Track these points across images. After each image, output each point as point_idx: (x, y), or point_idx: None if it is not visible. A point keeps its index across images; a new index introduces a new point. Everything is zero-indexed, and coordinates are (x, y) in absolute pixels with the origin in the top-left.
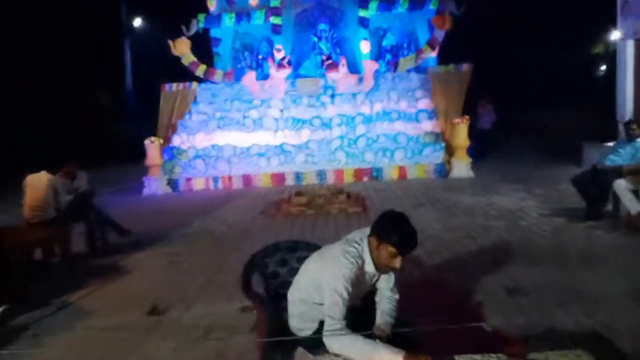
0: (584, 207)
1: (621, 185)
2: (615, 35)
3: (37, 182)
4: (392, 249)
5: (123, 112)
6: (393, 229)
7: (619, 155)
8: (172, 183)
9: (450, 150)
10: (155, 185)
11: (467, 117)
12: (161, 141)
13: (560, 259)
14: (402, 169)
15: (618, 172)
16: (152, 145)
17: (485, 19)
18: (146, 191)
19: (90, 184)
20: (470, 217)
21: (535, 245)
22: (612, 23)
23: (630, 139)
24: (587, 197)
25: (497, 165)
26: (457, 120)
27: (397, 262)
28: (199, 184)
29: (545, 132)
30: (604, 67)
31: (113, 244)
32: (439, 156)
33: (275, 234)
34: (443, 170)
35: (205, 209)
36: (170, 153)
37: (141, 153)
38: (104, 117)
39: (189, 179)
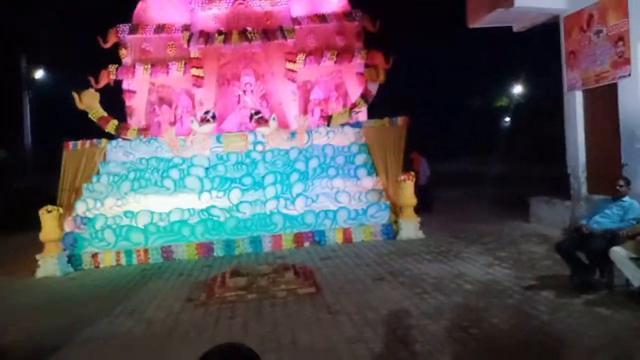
0: (564, 274)
1: (621, 254)
2: (517, 89)
3: None
4: None
5: (21, 171)
6: None
7: (606, 216)
8: (74, 259)
9: (395, 210)
10: (52, 265)
11: (412, 173)
12: (61, 210)
13: (584, 356)
14: (346, 232)
15: (609, 236)
16: (49, 216)
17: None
18: (40, 273)
19: None
20: (445, 295)
21: (543, 337)
22: (514, 79)
23: (617, 197)
24: (575, 266)
25: (443, 223)
26: (402, 177)
27: None
28: (107, 260)
29: (469, 181)
30: (507, 119)
31: None
32: (385, 216)
33: (211, 332)
34: (391, 232)
35: (115, 295)
36: (72, 223)
37: (38, 221)
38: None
39: (95, 254)
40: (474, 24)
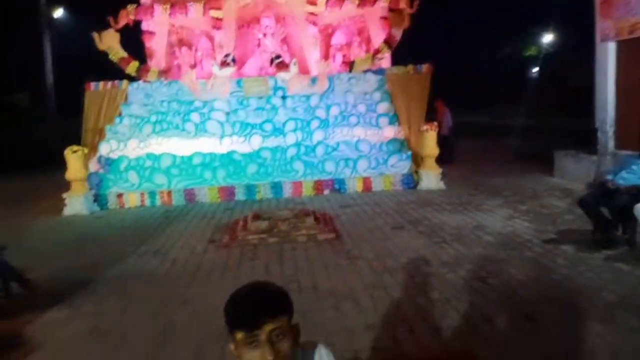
0: (585, 229)
1: None
2: (547, 38)
3: None
4: (239, 335)
5: (43, 113)
6: (227, 310)
7: (633, 172)
8: (100, 199)
9: (416, 160)
10: (78, 203)
11: (435, 123)
12: (85, 150)
13: (603, 309)
14: (366, 181)
15: (634, 192)
16: (74, 156)
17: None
18: (68, 211)
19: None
20: (465, 246)
21: (562, 290)
22: (545, 28)
23: None
24: (597, 221)
25: (464, 174)
26: (424, 126)
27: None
28: (132, 200)
29: (494, 133)
30: (536, 69)
31: (16, 301)
32: (405, 166)
33: (233, 273)
34: (411, 182)
35: (140, 235)
36: (96, 164)
37: (62, 162)
38: (20, 118)
39: (120, 195)
40: None
